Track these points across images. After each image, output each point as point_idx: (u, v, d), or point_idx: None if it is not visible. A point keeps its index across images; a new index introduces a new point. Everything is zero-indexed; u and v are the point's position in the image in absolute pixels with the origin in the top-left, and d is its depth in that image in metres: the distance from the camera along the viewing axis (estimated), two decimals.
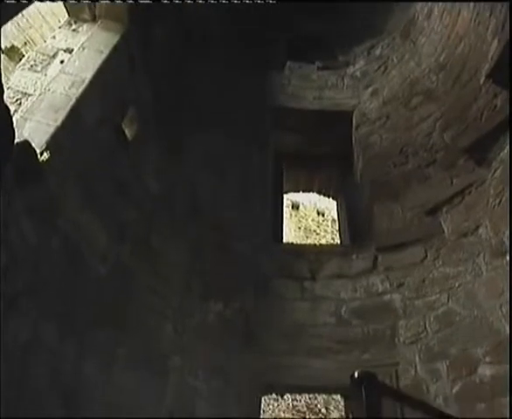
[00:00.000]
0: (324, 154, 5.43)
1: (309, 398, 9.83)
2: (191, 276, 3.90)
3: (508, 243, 3.27)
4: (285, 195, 5.65)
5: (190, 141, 4.44)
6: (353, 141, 5.21)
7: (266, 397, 8.63)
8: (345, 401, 6.74)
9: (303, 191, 6.05)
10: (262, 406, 5.83)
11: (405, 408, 3.01)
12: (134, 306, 3.44)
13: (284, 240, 5.08)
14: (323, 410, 9.86)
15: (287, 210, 13.91)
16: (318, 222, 15.53)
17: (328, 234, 15.14)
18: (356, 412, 3.80)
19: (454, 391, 3.22)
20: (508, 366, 2.88)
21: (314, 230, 15.05)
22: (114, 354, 3.18)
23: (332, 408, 9.94)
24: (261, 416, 4.27)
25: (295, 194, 6.93)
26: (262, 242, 4.29)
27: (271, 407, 9.45)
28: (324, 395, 9.76)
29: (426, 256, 3.86)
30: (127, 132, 3.75)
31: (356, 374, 1.62)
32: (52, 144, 2.88)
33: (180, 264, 3.92)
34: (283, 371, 3.63)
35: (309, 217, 15.43)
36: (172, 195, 4.02)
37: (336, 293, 4.01)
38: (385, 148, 4.70)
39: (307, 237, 14.64)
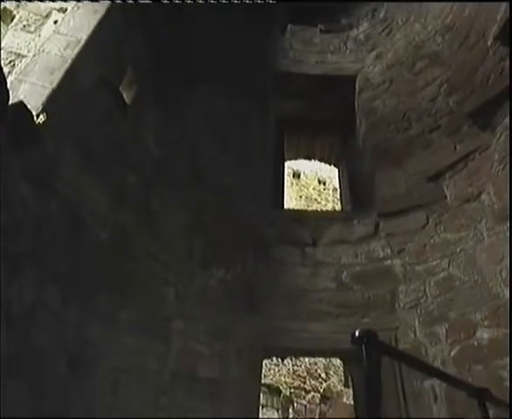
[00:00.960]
0: (326, 119, 5.32)
1: (309, 363, 10.08)
2: (192, 241, 3.89)
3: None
4: (286, 163, 5.54)
5: (189, 105, 4.33)
6: (355, 107, 5.11)
7: (267, 361, 8.78)
8: (344, 366, 6.87)
9: (304, 158, 5.96)
10: (263, 370, 5.93)
11: (405, 368, 3.13)
12: (136, 271, 3.44)
13: (285, 206, 4.99)
14: (323, 375, 10.08)
15: (287, 179, 13.83)
16: (319, 190, 15.48)
17: (329, 203, 15.11)
18: (355, 374, 3.94)
19: (452, 354, 3.25)
20: (507, 330, 2.89)
21: (315, 199, 15.01)
22: (116, 318, 3.20)
23: (332, 372, 10.19)
24: (262, 380, 4.34)
25: (296, 162, 6.84)
26: (263, 208, 4.26)
27: (272, 372, 9.61)
28: (324, 361, 9.96)
29: (428, 222, 3.83)
30: (125, 95, 3.63)
31: (356, 333, 1.53)
32: (49, 106, 2.80)
33: (181, 229, 3.90)
34: (284, 334, 3.66)
35: (310, 186, 15.36)
36: (172, 159, 3.95)
37: (337, 259, 4.01)
38: (388, 114, 4.60)
39: (308, 206, 14.64)
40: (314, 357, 6.88)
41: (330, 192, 15.43)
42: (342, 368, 9.95)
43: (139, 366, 3.24)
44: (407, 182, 4.07)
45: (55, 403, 2.54)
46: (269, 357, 4.32)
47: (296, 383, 9.90)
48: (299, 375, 10.02)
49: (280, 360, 9.30)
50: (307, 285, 3.90)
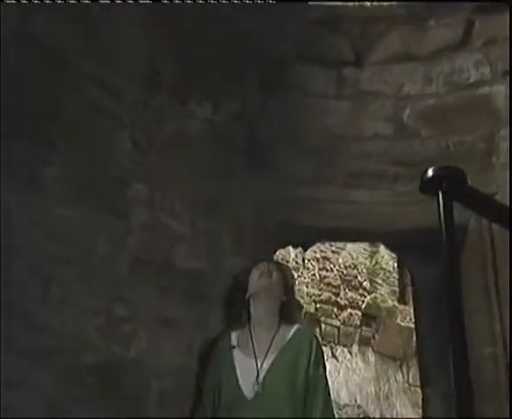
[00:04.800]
0: None
1: (345, 266, 9.68)
2: (157, 61, 3.48)
3: None
4: None
5: None
6: None
7: (280, 258, 8.47)
8: (400, 265, 6.30)
9: None
10: None
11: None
12: (69, 105, 3.08)
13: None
14: (366, 284, 9.66)
15: None
16: None
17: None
18: (419, 274, 3.73)
19: None
20: None
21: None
22: (42, 179, 2.90)
23: (379, 280, 9.75)
24: None
25: None
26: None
27: None
28: (368, 263, 9.49)
29: None
30: None
31: (429, 172, 1.32)
32: None
33: (138, 41, 3.44)
34: (307, 207, 3.42)
35: None
36: None
37: (396, 86, 3.61)
38: None
39: None
40: (354, 242, 6.51)
41: None
42: (395, 274, 9.35)
43: (82, 250, 2.98)
44: None
45: None
46: (285, 245, 4.16)
47: (325, 296, 9.42)
48: (329, 284, 9.63)
49: (301, 257, 8.94)
50: (346, 129, 3.59)
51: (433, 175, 1.31)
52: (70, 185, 2.98)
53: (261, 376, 2.44)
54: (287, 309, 2.75)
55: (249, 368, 2.49)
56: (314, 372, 2.53)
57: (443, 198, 1.27)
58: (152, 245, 3.22)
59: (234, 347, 2.61)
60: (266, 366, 2.48)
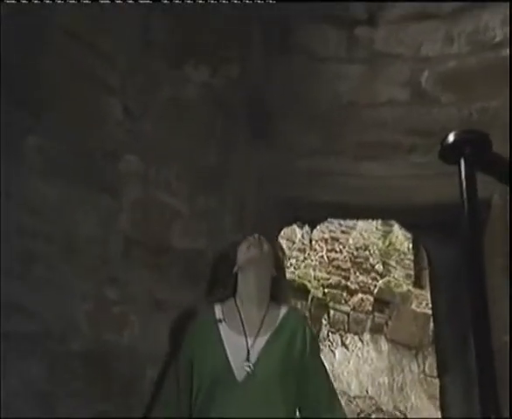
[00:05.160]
0: None
1: (356, 247, 9.62)
2: (150, 21, 3.33)
3: None
4: None
5: None
6: None
7: (286, 238, 8.48)
8: (414, 246, 6.15)
9: None
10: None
11: None
12: (52, 69, 2.94)
13: None
14: (378, 267, 9.62)
15: None
16: None
17: None
18: (436, 252, 3.69)
19: None
20: None
21: None
22: (21, 146, 2.77)
23: (393, 263, 9.66)
24: None
25: None
26: None
27: (294, 261, 9.43)
28: (381, 243, 9.48)
29: None
30: None
31: (450, 137, 1.23)
32: None
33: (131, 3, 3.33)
34: (314, 181, 3.36)
35: None
36: None
37: (414, 47, 3.49)
38: None
39: None
40: (365, 219, 6.38)
41: None
42: (410, 255, 9.22)
43: (67, 230, 2.88)
44: None
45: None
46: (290, 223, 4.12)
47: (334, 279, 9.36)
48: (338, 267, 9.53)
49: (308, 237, 8.89)
50: (358, 95, 3.49)
51: (455, 141, 1.22)
52: (54, 156, 2.87)
53: (253, 357, 2.32)
54: (277, 287, 2.62)
55: (238, 346, 2.35)
56: (313, 359, 2.44)
57: (465, 166, 1.19)
58: (146, 223, 3.16)
59: (220, 321, 2.46)
60: (257, 346, 2.35)
